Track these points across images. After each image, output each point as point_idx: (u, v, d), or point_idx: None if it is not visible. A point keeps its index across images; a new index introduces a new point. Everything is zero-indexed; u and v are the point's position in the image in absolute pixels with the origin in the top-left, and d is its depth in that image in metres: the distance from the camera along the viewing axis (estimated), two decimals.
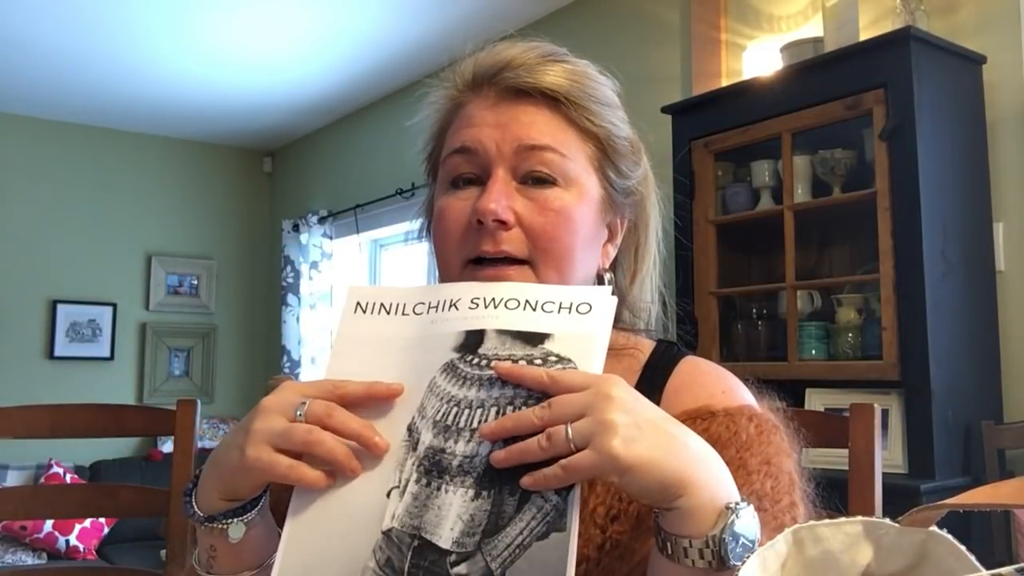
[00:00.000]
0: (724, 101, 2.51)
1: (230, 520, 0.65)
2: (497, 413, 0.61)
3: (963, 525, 1.66)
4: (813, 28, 2.59)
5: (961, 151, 2.17)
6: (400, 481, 0.62)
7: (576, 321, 0.64)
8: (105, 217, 5.02)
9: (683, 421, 0.68)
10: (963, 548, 0.52)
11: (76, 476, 4.50)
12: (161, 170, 5.24)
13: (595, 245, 0.78)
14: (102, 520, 4.24)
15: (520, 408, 0.60)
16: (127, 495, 1.49)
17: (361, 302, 0.69)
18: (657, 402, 0.73)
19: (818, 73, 2.25)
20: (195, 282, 5.33)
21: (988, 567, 0.49)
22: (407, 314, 0.68)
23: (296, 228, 4.92)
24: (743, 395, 0.78)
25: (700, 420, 0.73)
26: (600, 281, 0.80)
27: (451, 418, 0.62)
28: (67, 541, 4.15)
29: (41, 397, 3.50)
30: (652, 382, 0.79)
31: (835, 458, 1.13)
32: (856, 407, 1.09)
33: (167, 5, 3.46)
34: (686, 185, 2.51)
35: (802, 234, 2.36)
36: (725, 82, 2.85)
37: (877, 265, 2.10)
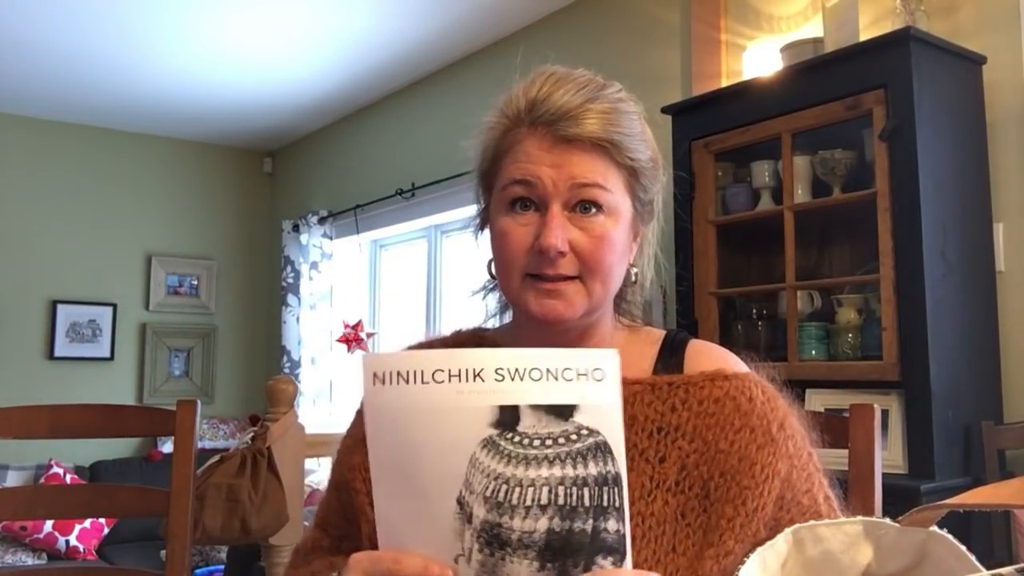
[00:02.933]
0: (724, 101, 2.51)
1: None
2: (549, 492, 0.68)
3: (963, 525, 1.66)
4: (813, 28, 2.59)
5: (961, 151, 2.17)
6: (464, 550, 0.68)
7: (596, 389, 0.71)
8: (105, 217, 5.03)
9: (701, 380, 0.88)
10: (963, 548, 0.52)
11: (76, 476, 4.50)
12: (161, 170, 5.24)
13: (627, 253, 0.94)
14: (102, 520, 4.24)
15: (569, 489, 0.68)
16: (127, 495, 1.49)
17: (377, 373, 0.71)
18: (679, 367, 0.94)
19: (818, 73, 2.25)
20: (195, 282, 5.33)
21: (988, 567, 0.49)
22: (427, 382, 0.70)
23: (296, 228, 4.91)
24: (745, 367, 0.95)
25: (717, 380, 0.88)
26: (629, 275, 0.97)
27: (502, 495, 0.68)
28: (67, 541, 4.15)
29: (41, 397, 3.49)
30: (669, 359, 0.96)
31: (835, 458, 1.13)
32: (856, 407, 1.09)
33: (167, 5, 3.46)
34: (686, 185, 2.51)
35: (802, 234, 2.36)
36: (725, 82, 2.85)
37: (877, 265, 2.10)
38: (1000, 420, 2.14)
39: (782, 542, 0.56)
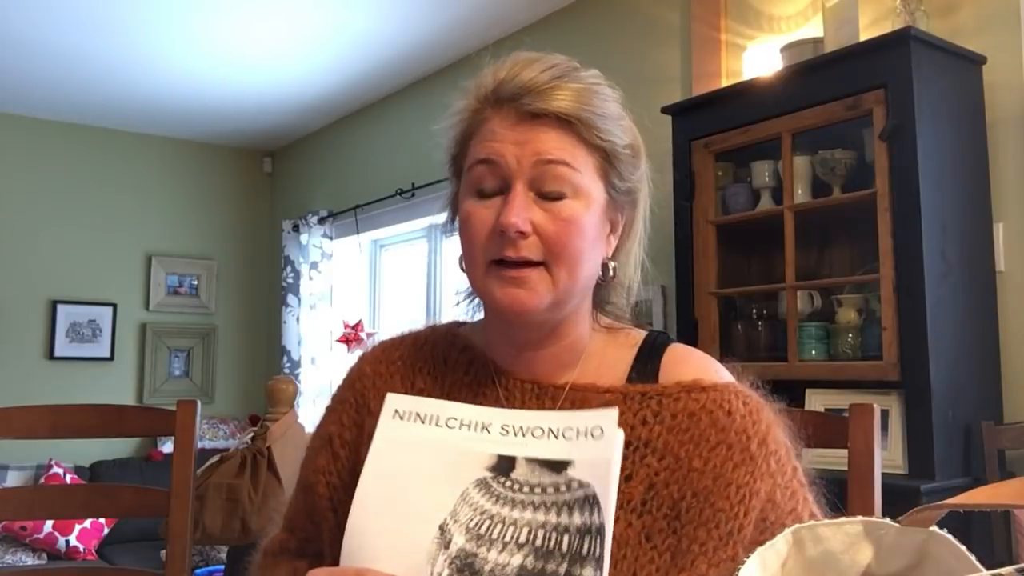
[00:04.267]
0: (724, 101, 2.51)
1: None
2: (528, 533, 0.71)
3: (963, 525, 1.66)
4: (813, 28, 2.59)
5: (961, 151, 2.17)
6: (432, 573, 0.71)
7: (592, 447, 0.74)
8: (105, 217, 5.03)
9: (676, 391, 0.83)
10: (963, 548, 0.52)
11: (76, 476, 4.50)
12: (161, 170, 5.24)
13: (600, 242, 0.88)
14: (102, 520, 4.24)
15: (549, 533, 0.71)
16: (127, 495, 1.49)
17: (399, 409, 0.79)
18: (654, 375, 0.88)
19: (818, 73, 2.25)
20: (195, 282, 5.33)
21: (988, 567, 0.49)
22: (440, 425, 0.77)
23: (296, 228, 4.91)
24: (728, 376, 0.90)
25: (693, 392, 0.83)
26: (605, 269, 0.90)
27: (484, 528, 0.72)
28: (67, 541, 4.15)
29: (41, 397, 3.49)
30: (647, 358, 0.90)
31: (835, 458, 1.13)
32: (856, 407, 1.09)
33: (167, 5, 3.46)
34: (686, 185, 2.51)
35: (802, 234, 2.36)
36: (725, 82, 2.85)
37: (877, 265, 2.10)
38: (1000, 420, 2.14)
39: (782, 542, 0.56)
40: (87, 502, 1.48)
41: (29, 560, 4.12)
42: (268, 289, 5.47)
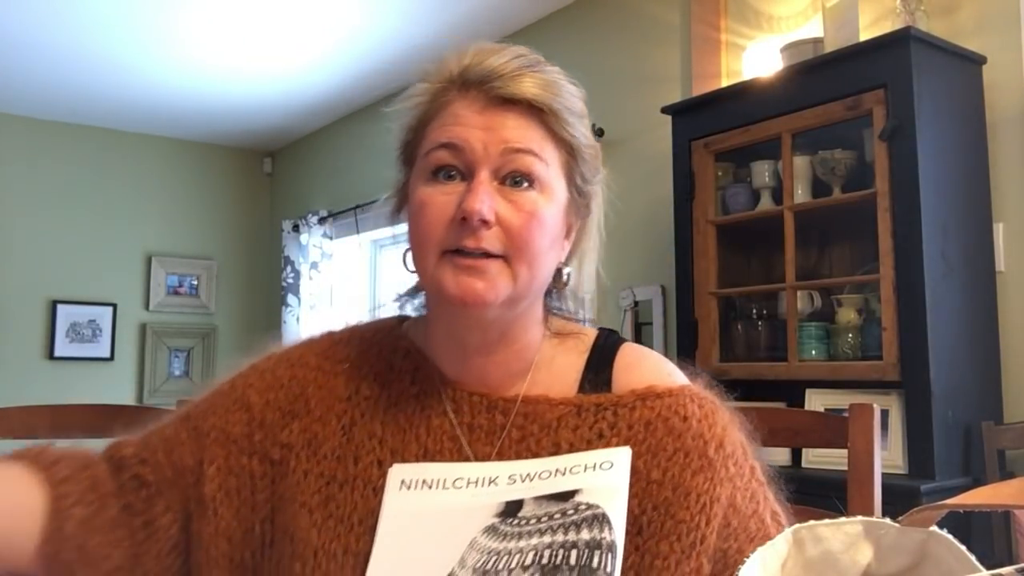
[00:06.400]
0: (724, 101, 2.51)
1: None
2: (534, 555, 0.70)
3: (963, 525, 1.66)
4: (813, 28, 2.59)
5: (961, 151, 2.17)
6: None
7: (601, 476, 0.74)
8: (105, 217, 5.02)
9: (631, 400, 0.80)
10: (963, 548, 0.52)
11: None
12: (161, 170, 5.24)
13: (558, 243, 0.84)
14: None
15: (556, 551, 0.69)
16: None
17: (405, 479, 0.78)
18: (607, 382, 0.84)
19: (818, 73, 2.25)
20: (195, 282, 5.33)
21: (988, 567, 0.49)
22: (447, 488, 0.77)
23: (296, 228, 4.92)
24: (682, 377, 0.86)
25: (648, 399, 0.81)
26: (559, 274, 0.87)
27: (490, 564, 0.71)
28: None
29: (41, 397, 3.48)
30: (598, 365, 0.86)
31: (835, 458, 1.13)
32: (855, 407, 1.09)
33: (167, 5, 3.46)
34: (686, 185, 2.51)
35: (802, 234, 2.36)
36: (725, 82, 2.85)
37: (877, 265, 2.10)
38: (1000, 420, 2.14)
39: (782, 542, 0.56)
40: None
41: None
42: (268, 289, 5.47)
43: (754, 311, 2.56)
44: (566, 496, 0.73)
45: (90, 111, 4.78)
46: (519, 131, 0.79)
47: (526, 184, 0.79)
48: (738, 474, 0.79)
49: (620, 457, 0.75)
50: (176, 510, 0.82)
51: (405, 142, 0.89)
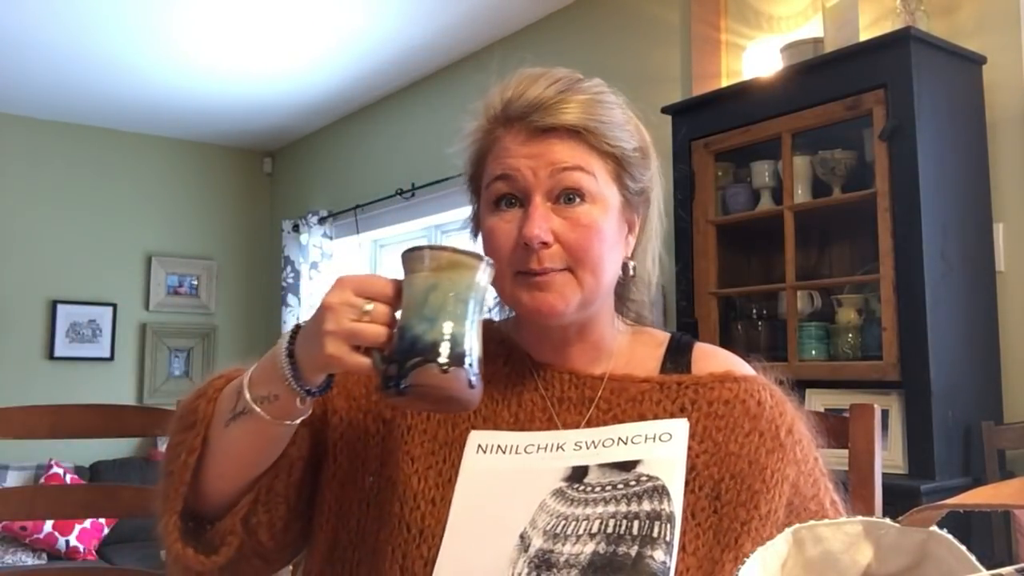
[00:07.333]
0: (724, 101, 2.51)
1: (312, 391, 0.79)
2: (600, 524, 0.77)
3: (963, 525, 1.66)
4: (813, 28, 2.59)
5: (961, 151, 2.17)
6: (513, 574, 0.77)
7: (660, 448, 0.81)
8: (105, 217, 5.02)
9: (710, 381, 0.88)
10: (963, 548, 0.52)
11: (76, 476, 4.50)
12: (161, 170, 5.24)
13: (619, 244, 0.92)
14: (102, 520, 4.24)
15: (620, 521, 0.77)
16: (127, 495, 1.49)
17: (481, 444, 0.86)
18: (687, 367, 0.93)
19: (818, 73, 2.25)
20: (195, 282, 5.33)
21: (988, 567, 0.49)
22: (519, 453, 0.85)
23: (296, 228, 4.91)
24: (752, 371, 0.95)
25: (727, 382, 0.89)
26: (626, 269, 0.94)
27: (559, 528, 0.78)
28: (67, 541, 4.15)
29: (41, 397, 3.48)
30: (676, 360, 0.95)
31: (835, 458, 1.13)
32: (856, 407, 1.09)
33: (168, 5, 3.46)
34: (686, 185, 2.51)
35: (802, 234, 2.36)
36: (725, 82, 2.85)
37: (877, 265, 2.10)
38: (1000, 420, 2.14)
39: (782, 542, 0.56)
40: (87, 502, 1.48)
41: (29, 560, 4.12)
42: (268, 289, 5.47)
43: (754, 311, 2.57)
44: (628, 466, 0.80)
45: (90, 111, 4.78)
46: (564, 152, 0.86)
47: (578, 199, 0.87)
48: (803, 459, 0.86)
49: (678, 429, 0.82)
50: (305, 448, 0.89)
51: (470, 176, 0.97)
